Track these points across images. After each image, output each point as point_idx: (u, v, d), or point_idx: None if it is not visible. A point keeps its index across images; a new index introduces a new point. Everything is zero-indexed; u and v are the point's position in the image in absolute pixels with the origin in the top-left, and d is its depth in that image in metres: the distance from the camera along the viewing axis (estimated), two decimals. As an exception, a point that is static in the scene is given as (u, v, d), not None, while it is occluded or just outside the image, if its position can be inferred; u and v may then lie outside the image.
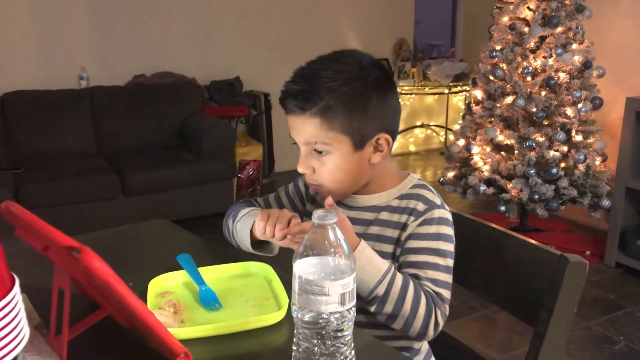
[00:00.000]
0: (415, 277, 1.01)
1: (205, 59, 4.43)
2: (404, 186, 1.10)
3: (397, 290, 0.96)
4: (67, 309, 0.81)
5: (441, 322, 0.99)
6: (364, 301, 0.99)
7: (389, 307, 0.97)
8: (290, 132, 1.06)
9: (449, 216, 1.07)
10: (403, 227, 1.06)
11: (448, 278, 1.03)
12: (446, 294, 1.01)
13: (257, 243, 1.12)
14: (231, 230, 1.18)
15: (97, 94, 3.89)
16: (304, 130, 1.03)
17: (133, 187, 3.50)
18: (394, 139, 1.07)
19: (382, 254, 1.01)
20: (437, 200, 1.08)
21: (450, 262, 1.04)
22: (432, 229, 1.04)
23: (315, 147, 1.03)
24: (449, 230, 1.06)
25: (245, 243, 1.12)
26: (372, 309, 0.98)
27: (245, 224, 1.12)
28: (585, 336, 2.47)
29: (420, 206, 1.06)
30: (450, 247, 1.05)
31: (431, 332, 0.98)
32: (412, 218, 1.05)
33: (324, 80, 1.00)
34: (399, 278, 0.97)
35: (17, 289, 0.66)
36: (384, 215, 1.08)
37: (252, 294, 1.03)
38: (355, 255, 0.95)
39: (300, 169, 1.06)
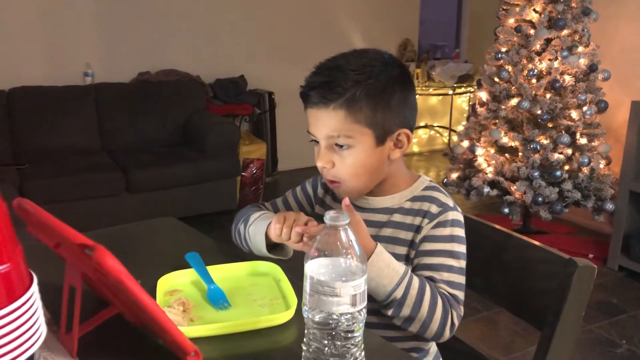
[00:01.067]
0: (431, 279, 1.01)
1: (210, 57, 4.44)
2: (416, 188, 1.10)
3: (415, 293, 0.96)
4: (77, 307, 0.81)
5: (457, 323, 1.00)
6: (381, 305, 0.99)
7: (406, 310, 0.97)
8: (309, 127, 1.05)
9: (462, 218, 1.08)
10: (417, 229, 1.06)
11: (462, 279, 1.03)
12: (461, 295, 1.02)
13: (271, 246, 1.11)
14: (243, 234, 1.16)
15: (102, 90, 3.90)
16: (327, 123, 1.01)
17: (137, 184, 3.50)
18: (413, 135, 1.07)
19: (395, 256, 1.01)
20: (450, 202, 1.08)
21: (463, 263, 1.04)
22: (446, 231, 1.04)
23: (337, 142, 1.02)
24: (462, 232, 1.06)
25: (259, 246, 1.11)
26: (390, 312, 0.98)
27: (259, 227, 1.11)
28: (587, 339, 2.47)
29: (434, 208, 1.06)
30: (463, 248, 1.05)
31: (447, 333, 0.99)
32: (426, 220, 1.06)
33: (349, 73, 1.00)
34: (416, 281, 0.98)
35: (35, 287, 0.67)
36: (397, 218, 1.09)
37: (260, 294, 1.04)
38: (373, 259, 0.95)
39: (319, 164, 1.05)
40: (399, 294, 0.96)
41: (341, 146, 1.02)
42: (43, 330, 0.64)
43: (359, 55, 1.03)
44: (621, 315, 2.68)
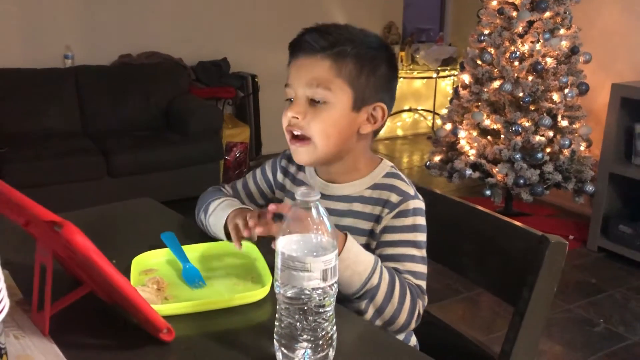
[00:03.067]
0: (394, 270, 1.00)
1: (192, 40, 4.38)
2: (376, 174, 1.08)
3: (387, 284, 0.95)
4: (49, 285, 0.81)
5: (422, 313, 1.00)
6: (355, 296, 0.97)
7: (379, 299, 0.95)
8: (289, 79, 1.03)
9: (423, 205, 1.06)
10: (377, 219, 1.05)
11: (424, 268, 1.03)
12: (424, 284, 1.02)
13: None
14: (205, 224, 1.16)
15: (83, 73, 3.85)
16: (311, 70, 1.00)
17: (118, 168, 3.47)
18: (387, 117, 1.06)
19: None
20: (411, 190, 1.06)
21: (424, 252, 1.04)
22: (408, 220, 1.03)
23: (314, 95, 1.00)
24: (423, 220, 1.05)
25: (220, 237, 1.10)
26: (363, 304, 0.96)
27: (219, 218, 1.09)
28: (566, 318, 2.51)
29: (394, 197, 1.04)
30: (424, 237, 1.04)
31: (413, 324, 0.99)
32: (386, 210, 1.04)
33: (345, 32, 1.02)
34: (386, 271, 0.97)
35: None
36: (357, 207, 1.07)
37: (235, 272, 1.04)
38: (347, 246, 0.94)
39: (290, 113, 1.01)
40: (375, 281, 0.94)
41: (317, 102, 1.00)
42: (6, 303, 0.63)
43: (356, 28, 1.05)
44: (599, 295, 2.72)
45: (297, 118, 1.01)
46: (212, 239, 1.15)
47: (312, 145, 1.02)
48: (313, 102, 1.00)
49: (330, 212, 1.07)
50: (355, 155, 1.07)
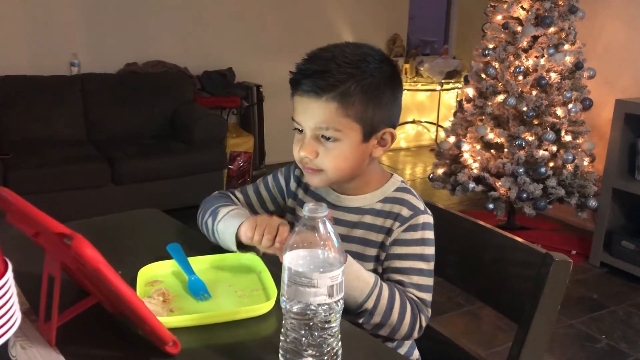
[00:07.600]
0: (400, 283, 1.03)
1: (198, 49, 4.42)
2: (387, 188, 1.10)
3: (385, 302, 0.98)
4: (56, 295, 0.81)
5: (424, 325, 1.02)
6: (352, 313, 0.99)
7: (377, 318, 0.99)
8: (295, 114, 1.03)
9: (431, 220, 1.08)
10: (388, 232, 1.06)
11: (430, 281, 1.05)
12: (429, 297, 1.04)
13: (241, 245, 1.09)
14: (211, 229, 1.15)
15: (89, 81, 3.87)
16: (317, 114, 0.99)
17: (122, 176, 3.49)
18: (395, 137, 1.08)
19: (366, 257, 1.03)
20: (421, 205, 1.08)
21: (432, 265, 1.06)
22: (417, 234, 1.05)
23: (324, 133, 1.01)
24: (432, 235, 1.07)
25: (229, 244, 1.09)
26: (360, 320, 0.99)
27: (229, 225, 1.09)
28: (568, 334, 2.51)
29: (405, 212, 1.06)
30: (432, 250, 1.06)
31: (415, 334, 1.02)
32: (397, 223, 1.06)
33: (344, 66, 0.98)
34: (386, 289, 0.99)
35: (10, 274, 0.67)
36: (368, 219, 1.09)
37: (241, 285, 1.04)
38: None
39: (302, 153, 1.03)
40: (370, 304, 0.98)
41: (327, 138, 1.01)
42: (18, 317, 0.64)
43: (354, 48, 1.02)
44: (602, 311, 2.71)
45: (309, 157, 1.03)
46: (216, 249, 1.15)
47: (325, 175, 1.05)
48: (323, 137, 1.01)
49: (342, 223, 1.09)
50: (367, 173, 1.09)
